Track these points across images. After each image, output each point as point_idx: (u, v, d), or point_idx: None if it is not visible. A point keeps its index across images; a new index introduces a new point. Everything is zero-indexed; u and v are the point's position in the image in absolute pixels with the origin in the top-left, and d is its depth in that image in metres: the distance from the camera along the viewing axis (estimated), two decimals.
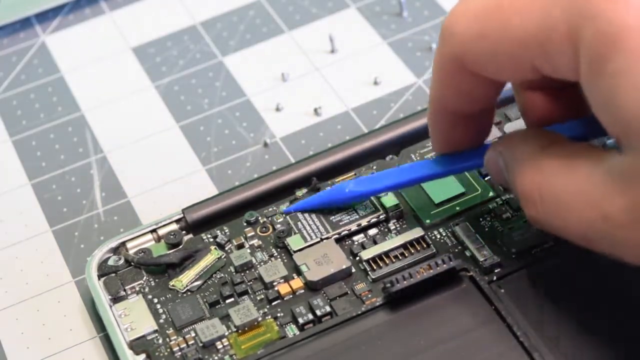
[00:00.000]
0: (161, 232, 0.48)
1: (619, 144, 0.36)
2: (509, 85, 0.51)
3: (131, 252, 0.47)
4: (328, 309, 0.44)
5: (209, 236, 0.47)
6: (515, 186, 0.39)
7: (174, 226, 0.48)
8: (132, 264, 0.47)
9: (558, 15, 0.36)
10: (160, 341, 0.44)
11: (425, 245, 0.45)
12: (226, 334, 0.44)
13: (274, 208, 0.48)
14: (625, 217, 0.35)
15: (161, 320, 0.45)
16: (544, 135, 0.40)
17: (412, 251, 0.45)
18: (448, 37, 0.39)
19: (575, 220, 0.37)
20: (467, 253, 0.45)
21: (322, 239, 0.46)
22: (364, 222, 0.46)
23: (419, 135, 0.50)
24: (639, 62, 0.34)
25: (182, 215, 0.48)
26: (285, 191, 0.49)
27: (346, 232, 0.46)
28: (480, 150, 0.43)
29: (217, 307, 0.45)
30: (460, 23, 0.39)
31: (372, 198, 0.47)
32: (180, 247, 0.47)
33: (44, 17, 0.62)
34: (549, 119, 0.42)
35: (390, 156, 0.49)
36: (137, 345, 0.44)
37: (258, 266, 0.46)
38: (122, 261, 0.47)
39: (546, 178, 0.38)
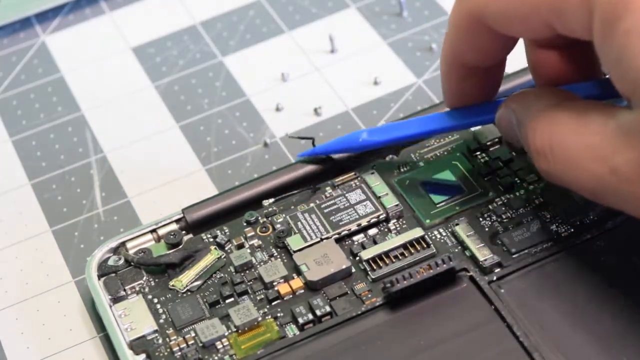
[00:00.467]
0: (161, 232, 0.48)
1: (628, 102, 0.36)
2: (508, 85, 0.51)
3: (131, 252, 0.47)
4: (328, 309, 0.44)
5: (209, 236, 0.47)
6: (528, 141, 0.40)
7: (174, 226, 0.48)
8: (132, 264, 0.46)
9: None
10: (160, 341, 0.44)
11: (425, 245, 0.45)
12: (226, 334, 0.44)
13: (274, 208, 0.48)
14: (633, 171, 0.36)
15: (161, 320, 0.45)
16: (557, 92, 0.41)
17: (412, 251, 0.45)
18: None
19: (584, 174, 0.38)
20: (467, 253, 0.45)
21: (322, 239, 0.46)
22: (364, 222, 0.46)
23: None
24: None
25: (182, 215, 0.48)
26: (285, 191, 0.48)
27: (346, 232, 0.46)
28: (491, 106, 0.44)
29: (217, 307, 0.45)
30: None
31: (372, 198, 0.47)
32: (180, 247, 0.47)
33: (44, 17, 0.62)
34: (558, 78, 0.43)
35: (390, 156, 0.49)
36: (137, 345, 0.44)
37: (258, 266, 0.46)
38: (122, 261, 0.47)
39: (558, 132, 0.39)
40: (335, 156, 0.49)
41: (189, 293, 0.45)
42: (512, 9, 0.39)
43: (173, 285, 0.46)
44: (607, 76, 0.43)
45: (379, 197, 0.47)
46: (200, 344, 0.43)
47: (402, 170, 0.49)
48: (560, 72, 0.43)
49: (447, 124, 0.46)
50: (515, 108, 0.42)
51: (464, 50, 0.43)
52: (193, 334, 0.44)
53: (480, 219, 0.46)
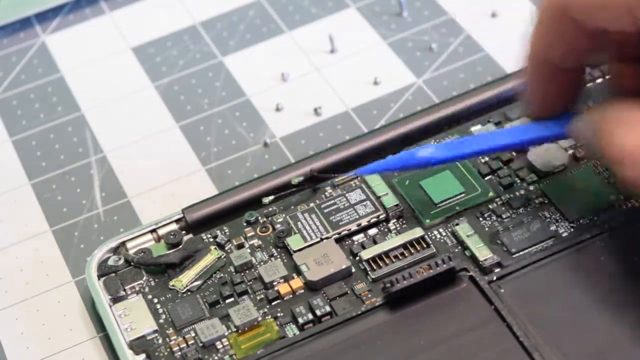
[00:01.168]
0: (161, 232, 0.48)
1: None
2: (508, 86, 0.51)
3: (131, 252, 0.47)
4: (328, 309, 0.44)
5: (209, 236, 0.47)
6: (614, 149, 0.39)
7: (174, 226, 0.48)
8: (132, 264, 0.46)
9: None
10: (160, 341, 0.44)
11: (425, 245, 0.45)
12: (226, 334, 0.44)
13: (274, 208, 0.48)
14: None
15: (161, 320, 0.45)
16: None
17: (412, 251, 0.45)
18: None
19: None
20: (467, 253, 0.45)
21: (322, 239, 0.46)
22: (364, 222, 0.46)
23: (419, 136, 0.50)
24: None
25: (182, 215, 0.48)
26: (285, 191, 0.48)
27: (346, 232, 0.46)
28: (562, 120, 0.44)
29: (217, 307, 0.45)
30: None
31: (372, 198, 0.47)
32: (180, 247, 0.47)
33: (44, 17, 0.62)
34: (636, 92, 0.42)
35: (389, 156, 0.49)
36: (137, 345, 0.44)
37: (258, 266, 0.46)
38: (122, 261, 0.47)
39: None
40: (336, 155, 0.49)
41: (189, 293, 0.45)
42: (600, 2, 0.39)
43: (173, 285, 0.46)
44: None
45: (379, 197, 0.47)
46: (200, 344, 0.43)
47: None
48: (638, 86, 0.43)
49: (518, 138, 0.45)
50: (596, 118, 0.41)
51: (552, 46, 0.43)
52: (193, 334, 0.44)
53: (480, 219, 0.46)
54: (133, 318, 0.45)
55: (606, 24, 0.41)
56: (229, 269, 0.46)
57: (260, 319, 0.44)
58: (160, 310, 0.45)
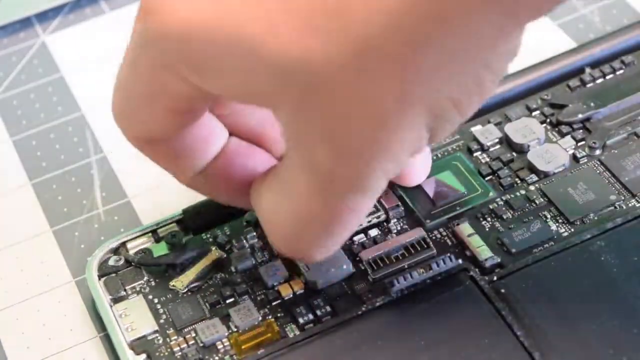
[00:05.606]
0: (161, 232, 0.48)
1: None
2: (508, 86, 0.51)
3: (131, 252, 0.47)
4: (328, 309, 0.44)
5: (210, 236, 0.47)
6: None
7: (174, 226, 0.48)
8: (133, 264, 0.47)
9: None
10: (161, 341, 0.44)
11: (425, 246, 0.45)
12: (227, 334, 0.44)
13: None
14: None
15: (161, 321, 0.45)
16: None
17: (413, 251, 0.45)
18: None
19: None
20: (468, 253, 0.45)
21: None
22: (364, 222, 0.46)
23: None
24: None
25: (182, 216, 0.48)
26: None
27: None
28: None
29: (217, 307, 0.45)
30: None
31: None
32: (181, 247, 0.47)
33: (44, 16, 0.62)
34: None
35: None
36: (137, 345, 0.44)
37: (258, 266, 0.46)
38: (122, 261, 0.47)
39: None
40: None
41: (189, 293, 0.45)
42: None
43: (173, 286, 0.46)
44: None
45: (379, 197, 0.47)
46: (201, 344, 0.43)
47: None
48: None
49: None
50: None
51: None
52: (193, 334, 0.44)
53: (481, 219, 0.46)
54: (133, 318, 0.45)
55: None
56: (229, 269, 0.46)
57: (260, 319, 0.44)
58: (161, 311, 0.45)
